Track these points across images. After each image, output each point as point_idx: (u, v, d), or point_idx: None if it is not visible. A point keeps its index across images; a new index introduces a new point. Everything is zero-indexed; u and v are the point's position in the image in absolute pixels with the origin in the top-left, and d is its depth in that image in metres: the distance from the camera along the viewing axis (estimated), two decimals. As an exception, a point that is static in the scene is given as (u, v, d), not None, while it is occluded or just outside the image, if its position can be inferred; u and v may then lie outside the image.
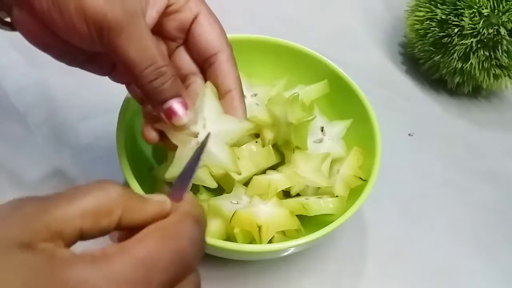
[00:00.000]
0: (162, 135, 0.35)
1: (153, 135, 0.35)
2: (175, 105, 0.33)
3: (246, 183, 0.44)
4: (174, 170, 0.34)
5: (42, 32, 0.33)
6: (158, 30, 0.36)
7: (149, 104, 0.34)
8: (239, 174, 0.38)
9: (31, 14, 0.32)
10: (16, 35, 0.58)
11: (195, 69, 0.37)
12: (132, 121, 0.44)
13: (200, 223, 0.24)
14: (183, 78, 0.37)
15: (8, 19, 0.34)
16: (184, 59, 0.37)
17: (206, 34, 0.36)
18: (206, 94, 0.35)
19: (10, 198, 0.49)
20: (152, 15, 0.34)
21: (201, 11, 0.36)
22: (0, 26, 0.35)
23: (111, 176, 0.49)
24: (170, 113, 0.33)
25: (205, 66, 0.37)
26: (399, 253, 0.49)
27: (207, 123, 0.35)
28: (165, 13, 0.35)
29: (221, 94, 0.36)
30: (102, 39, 0.31)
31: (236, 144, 0.46)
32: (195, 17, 0.36)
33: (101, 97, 0.53)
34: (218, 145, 0.35)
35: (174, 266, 0.22)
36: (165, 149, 0.44)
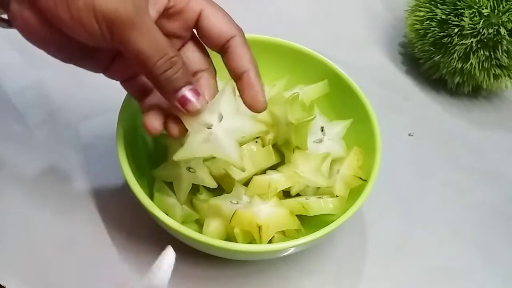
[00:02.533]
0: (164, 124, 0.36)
1: (156, 124, 0.35)
2: (188, 92, 0.34)
3: (246, 183, 0.44)
4: (182, 154, 0.35)
5: (41, 28, 0.32)
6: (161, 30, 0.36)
7: (160, 95, 0.35)
8: (243, 171, 0.39)
9: (32, 9, 0.32)
10: (16, 36, 0.58)
11: (204, 66, 0.38)
12: (132, 121, 0.44)
13: None
14: (193, 75, 0.37)
15: (5, 16, 0.34)
16: (192, 56, 0.38)
17: (215, 27, 0.36)
18: (226, 90, 0.36)
19: (9, 197, 0.49)
20: (153, 14, 0.34)
21: (204, 6, 0.36)
22: (1, 25, 0.35)
23: (111, 176, 0.49)
24: (184, 100, 0.34)
25: (221, 53, 0.37)
26: (399, 253, 0.49)
27: (224, 118, 0.36)
28: (167, 15, 0.36)
29: (237, 76, 0.37)
30: (113, 35, 0.31)
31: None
32: (200, 14, 0.36)
33: (101, 97, 0.53)
34: (229, 140, 0.36)
35: None
36: (166, 147, 0.44)
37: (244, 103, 0.37)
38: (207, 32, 0.37)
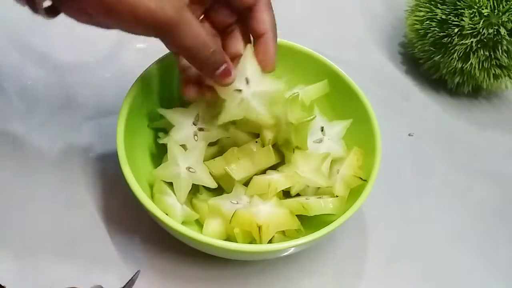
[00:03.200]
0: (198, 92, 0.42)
1: (192, 91, 0.42)
2: (224, 70, 0.39)
3: (246, 183, 0.44)
4: (223, 118, 0.42)
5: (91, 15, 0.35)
6: None
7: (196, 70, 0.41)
8: (273, 128, 0.44)
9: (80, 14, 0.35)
10: (17, 36, 0.59)
11: (233, 18, 0.42)
12: (133, 122, 0.44)
13: None
14: (224, 29, 0.42)
15: (47, 3, 0.36)
16: (221, 13, 0.42)
17: None
18: (248, 55, 0.41)
19: (9, 197, 0.49)
20: None
21: None
22: (43, 14, 0.36)
23: (111, 176, 0.49)
24: (221, 77, 0.39)
25: (246, 13, 0.41)
26: (399, 253, 0.49)
27: (251, 81, 0.42)
28: None
29: (256, 37, 0.41)
30: (158, 36, 0.35)
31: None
32: None
33: (102, 98, 0.53)
34: (257, 102, 0.42)
35: None
36: (165, 147, 0.44)
37: (258, 62, 0.41)
38: None
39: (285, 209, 0.42)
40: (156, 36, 0.35)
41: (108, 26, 0.36)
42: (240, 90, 0.41)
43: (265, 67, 0.42)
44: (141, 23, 0.34)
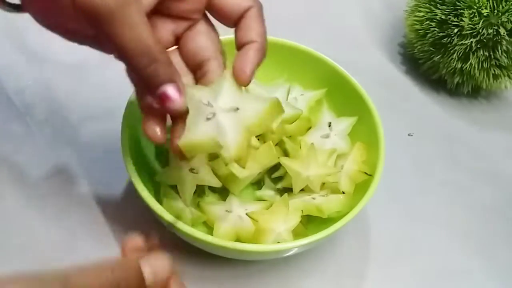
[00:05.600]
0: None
1: (155, 130, 0.34)
2: (169, 90, 0.32)
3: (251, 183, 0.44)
4: (189, 135, 0.33)
5: (49, 13, 0.33)
6: (165, 12, 0.35)
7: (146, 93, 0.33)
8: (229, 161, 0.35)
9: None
10: (17, 35, 0.58)
11: (212, 54, 0.36)
12: (136, 124, 0.44)
13: None
14: (199, 65, 0.36)
15: (15, 1, 0.34)
16: (200, 42, 0.36)
17: (228, 3, 0.35)
18: (226, 78, 0.34)
19: (9, 197, 0.49)
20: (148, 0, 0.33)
21: None
22: (8, 9, 0.35)
23: (111, 177, 0.49)
24: (164, 98, 0.32)
25: (235, 27, 0.36)
26: (399, 254, 0.49)
27: (224, 100, 0.34)
28: None
29: (239, 48, 0.35)
30: (96, 27, 0.30)
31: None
32: None
33: (103, 97, 0.53)
34: (233, 127, 0.33)
35: None
36: (169, 152, 0.44)
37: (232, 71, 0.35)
38: (219, 10, 0.36)
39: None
40: (94, 30, 0.31)
41: (49, 26, 0.33)
42: (210, 105, 0.34)
43: (238, 77, 0.34)
44: (77, 9, 0.30)
